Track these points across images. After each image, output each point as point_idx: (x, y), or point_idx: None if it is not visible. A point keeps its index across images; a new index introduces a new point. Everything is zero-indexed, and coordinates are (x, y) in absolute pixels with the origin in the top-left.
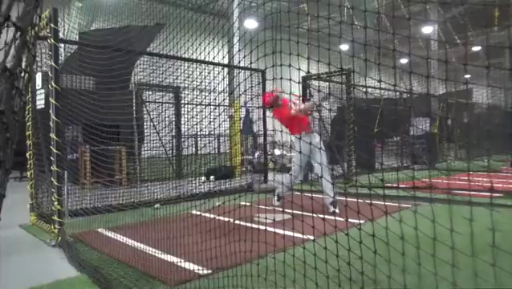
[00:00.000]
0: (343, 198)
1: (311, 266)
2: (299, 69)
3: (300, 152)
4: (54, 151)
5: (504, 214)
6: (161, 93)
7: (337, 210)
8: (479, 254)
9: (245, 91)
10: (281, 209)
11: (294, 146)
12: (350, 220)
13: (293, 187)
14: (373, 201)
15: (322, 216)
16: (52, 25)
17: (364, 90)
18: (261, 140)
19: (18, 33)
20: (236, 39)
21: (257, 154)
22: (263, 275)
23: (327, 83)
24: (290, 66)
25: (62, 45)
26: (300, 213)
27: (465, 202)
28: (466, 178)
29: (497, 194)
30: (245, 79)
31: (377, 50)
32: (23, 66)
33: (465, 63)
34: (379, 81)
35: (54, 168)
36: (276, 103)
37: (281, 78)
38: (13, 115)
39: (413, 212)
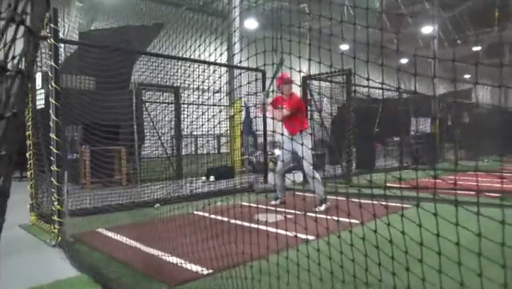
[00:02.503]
0: (342, 198)
1: (310, 267)
2: (300, 71)
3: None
4: (54, 151)
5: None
6: (161, 93)
7: (322, 208)
8: (468, 258)
9: (244, 87)
10: (280, 210)
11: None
12: (348, 220)
13: (284, 183)
14: (369, 202)
15: (322, 216)
16: (52, 25)
17: (364, 90)
18: (261, 140)
19: (31, 35)
20: (236, 39)
21: (257, 154)
22: (264, 275)
23: (327, 83)
24: (284, 67)
25: (62, 45)
26: (300, 213)
27: (463, 202)
28: (466, 178)
29: (496, 194)
30: (243, 75)
31: (378, 50)
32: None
33: (476, 63)
34: (382, 78)
35: (54, 168)
36: (286, 85)
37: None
38: (22, 116)
39: (414, 212)
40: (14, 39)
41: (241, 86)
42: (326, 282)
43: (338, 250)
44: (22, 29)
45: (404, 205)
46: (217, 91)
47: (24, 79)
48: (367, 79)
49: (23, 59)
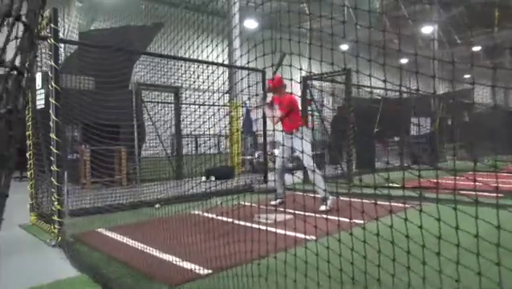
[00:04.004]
0: (347, 198)
1: (313, 267)
2: (300, 69)
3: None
4: (54, 151)
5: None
6: (161, 93)
7: (323, 208)
8: (484, 253)
9: (244, 89)
10: (281, 209)
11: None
12: (346, 220)
13: (283, 182)
14: (373, 201)
15: (324, 216)
16: (52, 25)
17: (364, 90)
18: (261, 139)
19: (27, 32)
20: (236, 39)
21: (257, 154)
22: (263, 276)
23: (327, 83)
24: (290, 66)
25: (62, 45)
26: (300, 213)
27: (468, 202)
28: (467, 178)
29: (499, 194)
30: (244, 77)
31: (378, 50)
32: (27, 65)
33: (470, 63)
34: (385, 81)
35: (54, 168)
36: (280, 87)
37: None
38: (17, 114)
39: (418, 210)
40: (9, 35)
41: (242, 90)
42: (334, 279)
43: (341, 249)
44: (19, 26)
45: (407, 205)
46: (218, 92)
47: (19, 75)
48: (376, 87)
49: (19, 55)
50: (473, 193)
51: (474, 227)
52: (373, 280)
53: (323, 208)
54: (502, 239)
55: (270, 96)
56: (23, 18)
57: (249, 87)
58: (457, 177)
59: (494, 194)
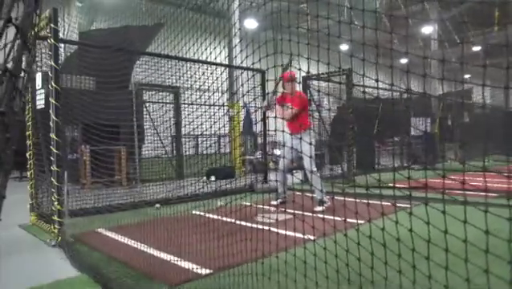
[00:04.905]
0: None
1: (311, 267)
2: (300, 69)
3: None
4: (54, 151)
5: (500, 214)
6: (161, 93)
7: (319, 209)
8: (474, 256)
9: (247, 92)
10: (282, 209)
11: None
12: (349, 220)
13: (286, 182)
14: (371, 202)
15: (321, 216)
16: (52, 25)
17: (364, 90)
18: (261, 140)
19: (19, 34)
20: (236, 39)
21: (257, 154)
22: (263, 275)
23: (327, 83)
24: (289, 65)
25: (62, 45)
26: (299, 212)
27: (461, 202)
28: (465, 178)
29: (493, 194)
30: (247, 80)
31: (377, 50)
32: (23, 66)
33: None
34: (376, 80)
35: (54, 168)
36: (289, 83)
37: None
38: (13, 115)
39: (408, 213)
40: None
41: (243, 88)
42: (332, 280)
43: (344, 249)
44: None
45: (405, 205)
46: (213, 90)
47: (12, 78)
48: (376, 87)
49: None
50: (472, 193)
51: (467, 228)
52: (368, 282)
53: (318, 209)
54: (491, 244)
55: (276, 95)
56: (14, 21)
57: (253, 87)
58: (458, 178)
59: (493, 195)
